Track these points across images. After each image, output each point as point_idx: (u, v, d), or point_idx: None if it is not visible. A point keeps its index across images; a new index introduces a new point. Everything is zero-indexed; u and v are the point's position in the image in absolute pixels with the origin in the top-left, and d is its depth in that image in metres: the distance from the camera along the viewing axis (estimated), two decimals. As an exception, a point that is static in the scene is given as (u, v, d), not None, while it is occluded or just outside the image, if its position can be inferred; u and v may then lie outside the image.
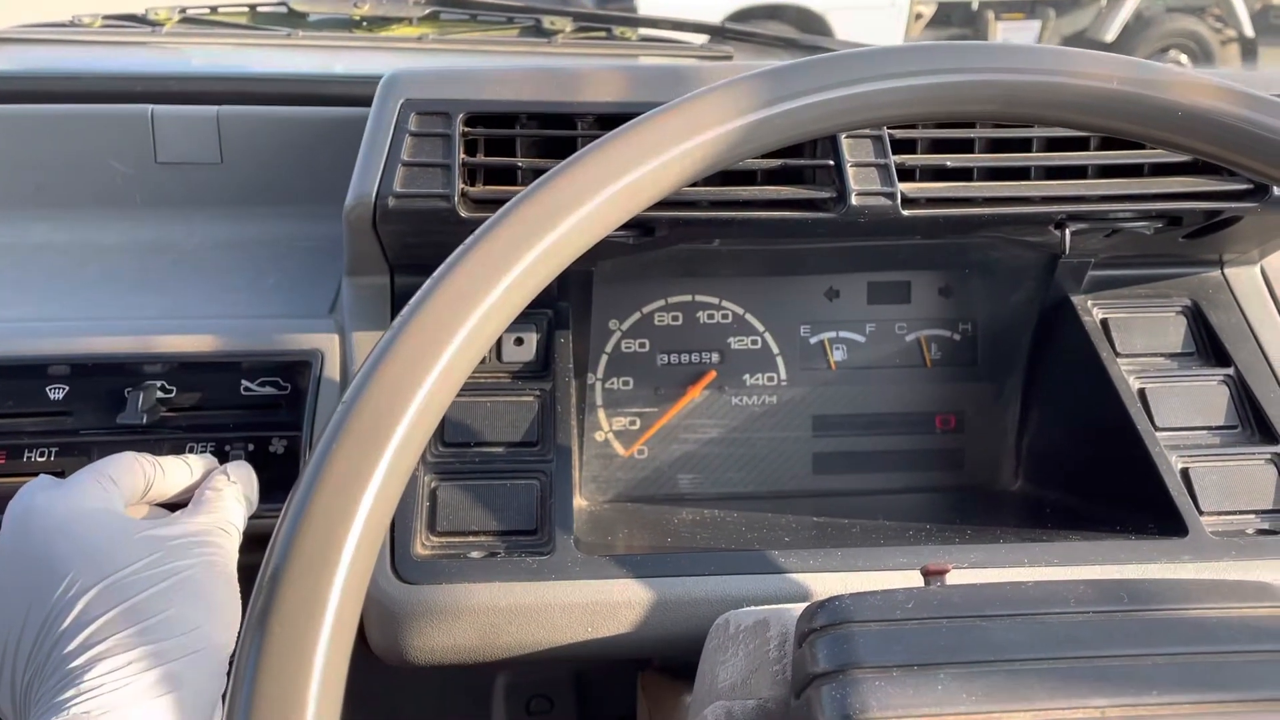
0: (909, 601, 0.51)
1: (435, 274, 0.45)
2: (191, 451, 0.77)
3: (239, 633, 0.40)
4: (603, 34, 1.21)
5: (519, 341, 0.84)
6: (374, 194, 0.75)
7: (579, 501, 0.91)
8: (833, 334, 0.96)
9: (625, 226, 0.81)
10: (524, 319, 0.85)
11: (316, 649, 0.37)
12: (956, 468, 0.96)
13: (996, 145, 0.81)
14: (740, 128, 0.49)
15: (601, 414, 0.94)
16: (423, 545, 0.73)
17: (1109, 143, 0.80)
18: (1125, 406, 0.82)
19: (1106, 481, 0.84)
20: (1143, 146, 0.79)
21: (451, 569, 0.71)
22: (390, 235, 0.79)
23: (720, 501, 0.93)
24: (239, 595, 0.60)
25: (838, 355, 0.96)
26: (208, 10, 1.22)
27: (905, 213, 0.77)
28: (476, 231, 0.46)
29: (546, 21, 1.19)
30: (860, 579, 0.72)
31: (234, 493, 0.67)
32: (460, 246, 0.45)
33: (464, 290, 0.44)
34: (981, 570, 0.72)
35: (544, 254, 0.46)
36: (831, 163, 0.77)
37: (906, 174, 0.79)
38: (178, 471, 0.68)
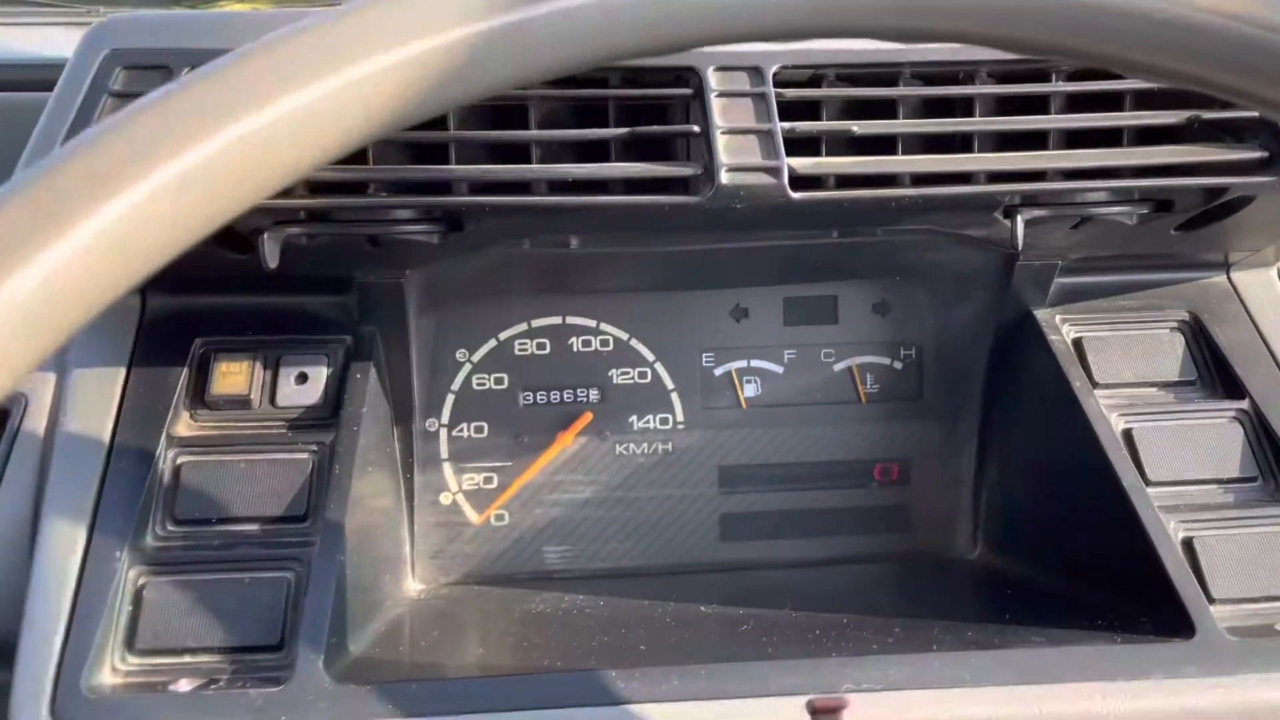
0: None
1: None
2: None
3: None
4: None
5: (302, 379, 0.70)
6: None
7: (413, 585, 0.78)
8: (743, 364, 0.84)
9: (425, 220, 0.64)
10: (313, 349, 0.71)
11: None
12: (900, 530, 0.83)
13: (929, 107, 0.67)
14: (473, 37, 0.30)
15: (447, 470, 0.80)
16: (113, 670, 0.56)
17: (1076, 101, 0.66)
18: (1105, 453, 0.69)
19: (1085, 554, 0.71)
20: (1119, 103, 0.65)
21: (138, 710, 0.51)
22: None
23: (599, 580, 0.79)
24: None
25: (749, 390, 0.84)
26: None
27: (795, 195, 0.62)
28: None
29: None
30: (729, 710, 0.53)
31: None
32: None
33: None
34: (901, 693, 0.53)
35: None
36: (698, 129, 0.61)
37: (804, 144, 0.64)
38: None
